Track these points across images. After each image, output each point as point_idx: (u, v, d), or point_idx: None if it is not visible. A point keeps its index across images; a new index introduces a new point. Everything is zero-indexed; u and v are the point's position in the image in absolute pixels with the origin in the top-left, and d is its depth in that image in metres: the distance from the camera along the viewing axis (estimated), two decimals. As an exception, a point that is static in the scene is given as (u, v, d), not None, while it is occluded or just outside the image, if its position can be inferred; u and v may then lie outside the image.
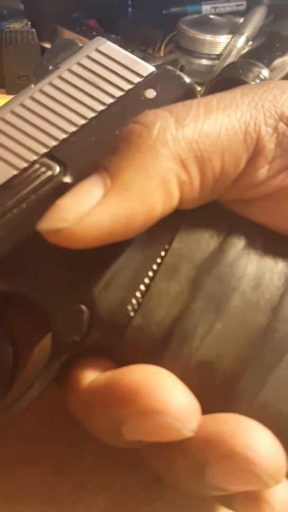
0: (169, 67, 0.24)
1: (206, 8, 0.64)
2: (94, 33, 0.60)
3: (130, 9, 0.68)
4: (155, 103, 0.23)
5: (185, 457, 0.20)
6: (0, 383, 0.24)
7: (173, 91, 0.23)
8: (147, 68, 0.24)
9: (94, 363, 0.22)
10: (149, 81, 0.23)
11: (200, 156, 0.20)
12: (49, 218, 0.19)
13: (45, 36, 0.60)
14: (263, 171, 0.21)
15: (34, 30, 0.55)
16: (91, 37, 0.57)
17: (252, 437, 0.19)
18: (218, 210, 0.22)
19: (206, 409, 0.20)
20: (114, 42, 0.24)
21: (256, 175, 0.21)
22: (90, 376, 0.21)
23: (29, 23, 0.59)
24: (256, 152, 0.20)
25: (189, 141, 0.20)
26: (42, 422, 0.29)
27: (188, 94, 0.23)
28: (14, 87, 0.55)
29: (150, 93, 0.23)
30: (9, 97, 0.25)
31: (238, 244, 0.21)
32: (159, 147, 0.19)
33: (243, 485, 0.19)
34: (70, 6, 0.64)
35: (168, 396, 0.19)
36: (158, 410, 0.19)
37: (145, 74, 0.24)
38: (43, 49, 0.56)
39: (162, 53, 0.62)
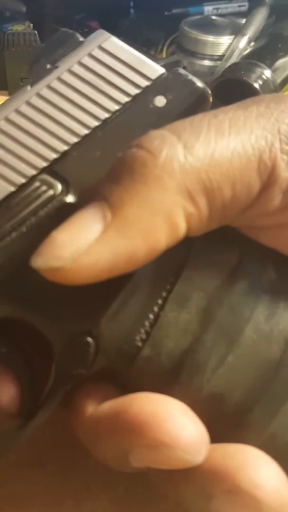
0: (181, 70, 0.22)
1: (208, 9, 0.64)
2: (96, 34, 0.60)
3: (132, 11, 0.68)
4: (165, 112, 0.21)
5: (191, 485, 0.20)
6: None
7: (185, 98, 0.21)
8: (156, 70, 0.21)
9: (99, 388, 0.21)
10: (158, 86, 0.21)
11: (209, 187, 0.18)
12: (44, 255, 0.18)
13: (47, 38, 0.60)
14: (277, 200, 0.19)
15: (36, 32, 0.55)
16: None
17: (259, 472, 0.19)
18: (229, 234, 0.21)
19: (214, 438, 0.20)
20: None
21: (269, 204, 0.19)
22: (95, 403, 0.21)
23: (31, 25, 0.60)
24: (270, 181, 0.19)
25: (198, 171, 0.18)
26: (46, 424, 0.29)
27: (201, 100, 0.21)
28: (16, 89, 0.55)
29: (160, 101, 0.21)
30: (12, 99, 0.25)
31: (251, 271, 0.21)
32: (166, 178, 0.18)
33: None
34: (72, 8, 0.65)
35: (177, 428, 0.19)
36: (167, 444, 0.18)
37: (153, 76, 0.21)
38: (45, 51, 0.56)
39: (164, 55, 0.62)
